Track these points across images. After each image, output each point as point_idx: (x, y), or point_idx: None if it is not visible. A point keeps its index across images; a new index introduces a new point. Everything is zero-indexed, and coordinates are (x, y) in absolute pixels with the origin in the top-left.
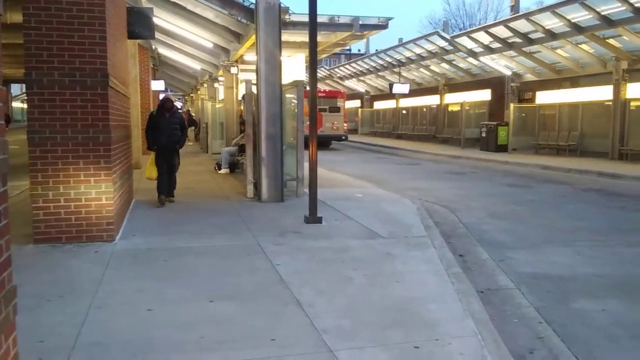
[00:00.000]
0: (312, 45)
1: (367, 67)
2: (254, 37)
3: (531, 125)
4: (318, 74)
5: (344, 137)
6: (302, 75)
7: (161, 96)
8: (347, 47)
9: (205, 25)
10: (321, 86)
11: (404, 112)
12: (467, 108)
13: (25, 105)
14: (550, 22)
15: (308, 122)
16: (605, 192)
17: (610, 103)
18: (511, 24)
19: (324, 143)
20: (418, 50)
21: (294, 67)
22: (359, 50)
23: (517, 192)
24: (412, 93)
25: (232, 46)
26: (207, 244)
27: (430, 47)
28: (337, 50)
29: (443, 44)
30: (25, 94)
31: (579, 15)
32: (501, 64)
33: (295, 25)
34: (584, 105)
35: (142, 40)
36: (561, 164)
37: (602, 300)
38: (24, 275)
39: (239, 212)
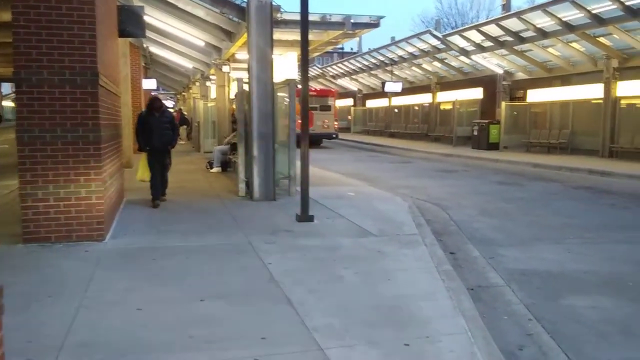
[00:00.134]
0: (304, 43)
1: (360, 65)
2: (245, 35)
3: (522, 123)
4: (310, 73)
5: (334, 136)
6: (294, 73)
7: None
8: (340, 46)
9: (196, 23)
10: (314, 85)
11: (396, 110)
12: (459, 106)
13: None
14: (542, 20)
15: (299, 121)
16: (596, 189)
17: (601, 101)
18: (503, 23)
19: (315, 141)
20: (410, 49)
21: (286, 65)
22: (352, 49)
23: (508, 189)
24: (405, 91)
25: (223, 45)
26: (198, 243)
27: (422, 45)
28: (329, 48)
29: (435, 42)
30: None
31: (569, 13)
32: (493, 63)
33: (287, 23)
34: (575, 104)
35: (134, 38)
36: (552, 161)
37: (592, 297)
38: (13, 275)
39: (230, 211)
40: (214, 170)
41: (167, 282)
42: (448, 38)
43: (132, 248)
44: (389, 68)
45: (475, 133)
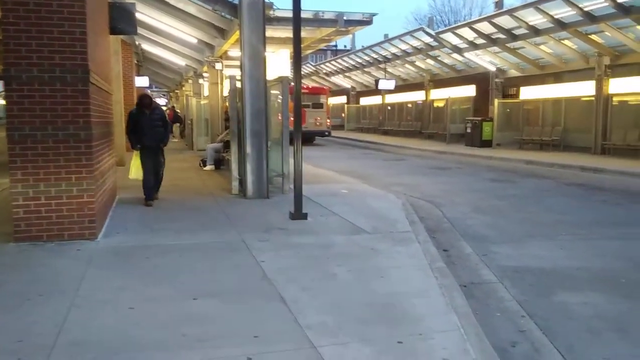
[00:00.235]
0: (296, 40)
1: (353, 63)
2: (238, 32)
3: (515, 120)
4: (304, 70)
5: (327, 133)
6: (286, 71)
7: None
8: (333, 43)
9: (188, 20)
10: (307, 82)
11: (389, 108)
12: (452, 104)
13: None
14: (534, 18)
15: (292, 118)
16: (588, 186)
17: (593, 98)
18: (495, 20)
19: (308, 139)
20: (403, 46)
21: (278, 63)
22: (345, 47)
23: (501, 187)
24: (398, 89)
25: (216, 42)
26: (191, 241)
27: (415, 43)
28: (322, 46)
29: (428, 40)
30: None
31: (562, 11)
32: (485, 60)
33: (279, 20)
34: (567, 101)
35: (126, 36)
36: (544, 158)
37: (584, 293)
38: (4, 274)
39: (223, 209)
40: (207, 168)
41: (159, 281)
42: (441, 35)
43: (125, 246)
44: (382, 65)
45: (469, 130)
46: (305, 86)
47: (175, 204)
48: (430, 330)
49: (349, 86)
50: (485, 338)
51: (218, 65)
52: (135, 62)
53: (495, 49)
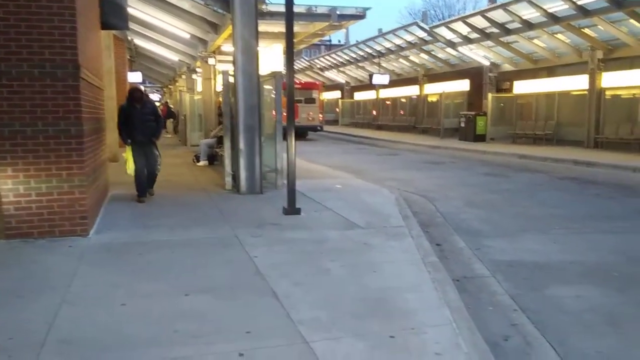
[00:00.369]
0: (289, 35)
1: (347, 58)
2: (230, 27)
3: (509, 115)
4: (298, 65)
5: (319, 128)
6: (280, 66)
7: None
8: (327, 38)
9: (181, 15)
10: (301, 77)
11: (388, 102)
12: (446, 98)
13: None
14: (527, 12)
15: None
16: (581, 180)
17: (586, 92)
18: (489, 14)
19: (301, 134)
20: (397, 41)
21: (271, 57)
22: (339, 41)
23: (494, 181)
24: (392, 84)
25: (209, 37)
26: (183, 237)
27: (409, 37)
28: (316, 40)
29: (422, 34)
30: None
31: (555, 5)
32: (479, 54)
33: (272, 15)
34: (560, 95)
35: (118, 31)
36: (538, 153)
37: (577, 286)
38: None
39: (217, 205)
40: (201, 163)
41: (152, 277)
42: (435, 30)
43: (117, 243)
44: (376, 60)
45: (462, 125)
46: (297, 81)
47: (168, 200)
48: (423, 325)
49: (343, 81)
50: (477, 332)
51: (211, 61)
52: (128, 57)
53: (489, 43)
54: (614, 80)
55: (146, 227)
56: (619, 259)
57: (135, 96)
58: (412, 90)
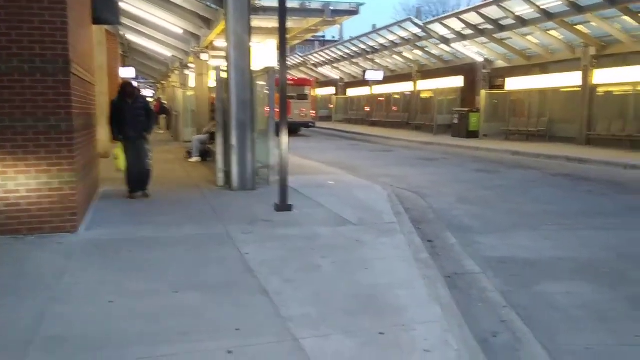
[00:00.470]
0: (282, 30)
1: (341, 54)
2: (223, 22)
3: (502, 111)
4: (292, 61)
5: (311, 124)
6: (273, 61)
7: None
8: (321, 34)
9: (174, 10)
10: (295, 73)
11: (381, 98)
12: (440, 95)
13: None
14: (521, 8)
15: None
16: (573, 176)
17: (579, 89)
18: (482, 11)
19: (293, 130)
20: (391, 37)
21: (265, 53)
22: (333, 37)
23: (487, 177)
24: (386, 80)
25: (202, 32)
26: (174, 234)
27: (403, 33)
28: (309, 36)
29: (416, 30)
30: None
31: (548, 1)
32: (473, 51)
33: (265, 10)
34: (553, 92)
35: (110, 26)
36: (530, 149)
37: (567, 283)
38: None
39: (209, 201)
40: (193, 159)
41: (141, 274)
42: (429, 26)
43: (107, 240)
44: (370, 56)
45: (456, 121)
46: (290, 78)
47: (159, 196)
48: (413, 322)
49: (337, 77)
50: (467, 329)
51: (204, 56)
52: (121, 53)
53: (483, 39)
54: (606, 77)
55: (137, 223)
56: (610, 255)
57: (127, 91)
58: (405, 87)
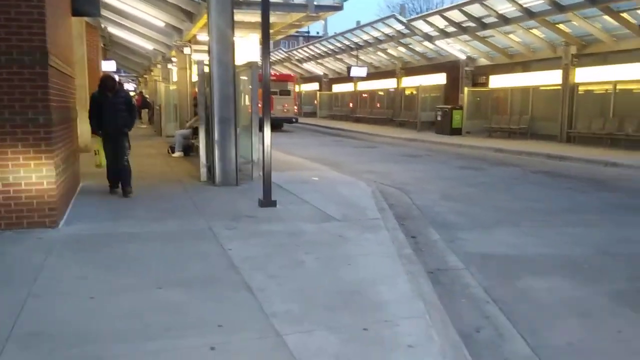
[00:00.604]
0: (265, 25)
1: (325, 49)
2: (206, 16)
3: (484, 108)
4: (276, 56)
5: (294, 120)
6: (256, 56)
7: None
8: (305, 29)
9: (155, 3)
10: (279, 68)
11: (365, 95)
12: (423, 92)
13: None
14: (503, 6)
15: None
16: (554, 174)
17: (560, 87)
18: (465, 8)
19: (276, 125)
20: (375, 34)
21: (248, 48)
22: (318, 33)
23: (470, 174)
24: (370, 76)
25: (184, 26)
26: (156, 229)
27: (387, 30)
28: (293, 31)
29: (400, 27)
30: None
31: (530, 0)
32: (456, 48)
33: (249, 4)
34: (535, 90)
35: (91, 18)
36: (512, 146)
37: (549, 279)
38: None
39: (191, 197)
40: (176, 154)
41: (123, 270)
42: (412, 23)
43: (87, 235)
44: (354, 52)
45: (439, 118)
46: (272, 73)
47: (141, 191)
48: (396, 317)
49: (321, 73)
50: (450, 324)
51: (186, 50)
52: (102, 45)
53: (466, 37)
54: (587, 75)
55: (118, 219)
56: (591, 251)
57: (107, 85)
58: (389, 83)
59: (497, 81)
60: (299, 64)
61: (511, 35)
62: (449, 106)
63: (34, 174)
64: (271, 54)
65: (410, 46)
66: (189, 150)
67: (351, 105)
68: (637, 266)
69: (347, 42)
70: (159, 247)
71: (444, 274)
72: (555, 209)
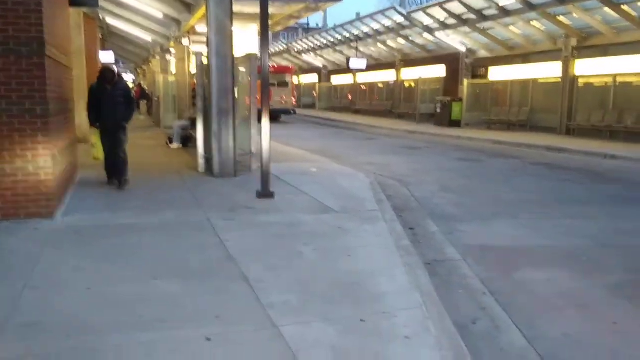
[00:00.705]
0: (264, 16)
1: (325, 41)
2: (204, 7)
3: (484, 101)
4: (276, 48)
5: (292, 111)
6: (255, 47)
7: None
8: (305, 21)
9: None
10: (279, 60)
11: (364, 87)
12: (423, 84)
13: None
14: None
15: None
16: (553, 166)
17: (559, 80)
18: (466, 0)
19: (274, 117)
20: (375, 26)
21: (247, 39)
22: (317, 25)
23: (469, 166)
24: (369, 68)
25: (183, 17)
26: (154, 220)
27: (387, 22)
28: (292, 23)
29: (399, 19)
30: None
31: None
32: (456, 40)
33: None
34: (534, 82)
35: (89, 9)
36: (512, 139)
37: (547, 270)
38: None
39: (189, 188)
40: (174, 146)
41: (119, 261)
42: (412, 15)
43: (84, 226)
44: (353, 44)
45: (438, 110)
46: (271, 65)
47: (140, 183)
48: (394, 309)
49: (320, 65)
50: (447, 316)
51: (185, 41)
52: (100, 36)
53: (466, 29)
54: (587, 68)
55: (115, 210)
56: (588, 243)
57: (106, 77)
58: (389, 75)
59: (497, 73)
60: (299, 56)
61: (511, 28)
62: (449, 98)
63: (31, 165)
64: (271, 45)
65: (410, 38)
66: (188, 141)
67: (350, 97)
68: (635, 258)
69: (346, 34)
70: (157, 238)
71: (442, 265)
72: (554, 201)
